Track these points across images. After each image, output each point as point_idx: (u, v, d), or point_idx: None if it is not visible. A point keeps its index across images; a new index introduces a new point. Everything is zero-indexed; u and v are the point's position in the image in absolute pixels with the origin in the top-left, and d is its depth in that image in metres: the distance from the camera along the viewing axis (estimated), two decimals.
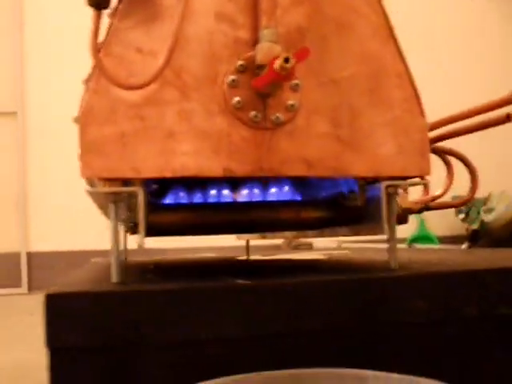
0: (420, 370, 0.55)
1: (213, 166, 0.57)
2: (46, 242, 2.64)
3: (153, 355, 0.51)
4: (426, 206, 0.73)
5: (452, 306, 0.57)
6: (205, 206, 0.67)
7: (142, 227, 0.55)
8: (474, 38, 3.08)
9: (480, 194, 2.72)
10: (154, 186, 0.73)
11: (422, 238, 2.96)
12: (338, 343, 0.55)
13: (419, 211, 0.73)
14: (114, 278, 0.57)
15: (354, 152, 0.60)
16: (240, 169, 0.57)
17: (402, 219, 0.72)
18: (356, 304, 0.55)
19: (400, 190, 0.70)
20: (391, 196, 0.61)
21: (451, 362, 0.57)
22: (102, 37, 0.57)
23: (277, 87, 0.57)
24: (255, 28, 0.58)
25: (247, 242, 1.23)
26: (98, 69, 0.55)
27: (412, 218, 2.80)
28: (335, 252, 1.26)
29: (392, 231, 0.62)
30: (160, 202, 0.69)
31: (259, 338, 0.53)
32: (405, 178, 0.62)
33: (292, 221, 0.67)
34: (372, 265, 0.72)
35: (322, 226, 0.70)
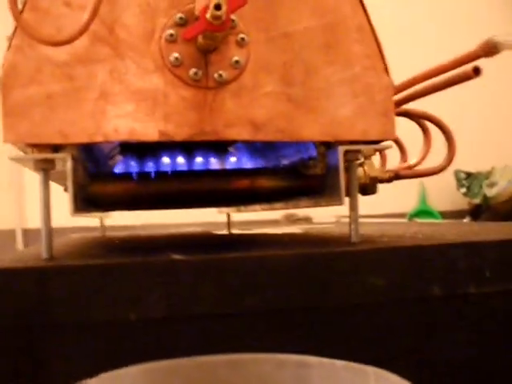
0: (373, 355, 0.50)
1: (148, 130, 0.51)
2: None
3: (67, 337, 0.46)
4: (397, 175, 0.68)
5: (413, 285, 0.52)
6: (148, 176, 0.61)
7: (70, 196, 0.50)
8: None
9: (482, 167, 2.68)
10: (108, 153, 0.68)
11: (423, 212, 2.91)
12: (280, 325, 0.49)
13: (388, 180, 0.68)
14: (44, 253, 0.52)
15: (308, 113, 0.54)
16: (178, 132, 0.52)
17: (370, 189, 0.66)
18: (303, 281, 0.49)
19: (363, 157, 0.64)
20: (351, 163, 0.56)
21: (408, 346, 0.52)
22: None
23: (218, 42, 0.51)
24: None
25: (228, 215, 1.18)
26: (18, 25, 0.49)
27: (413, 193, 2.77)
28: (319, 226, 1.21)
29: (353, 201, 0.57)
30: (105, 172, 0.64)
31: (190, 318, 0.47)
32: (367, 143, 0.56)
33: (246, 191, 0.62)
34: (336, 239, 0.66)
35: (281, 197, 0.64)
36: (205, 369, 0.43)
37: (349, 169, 0.56)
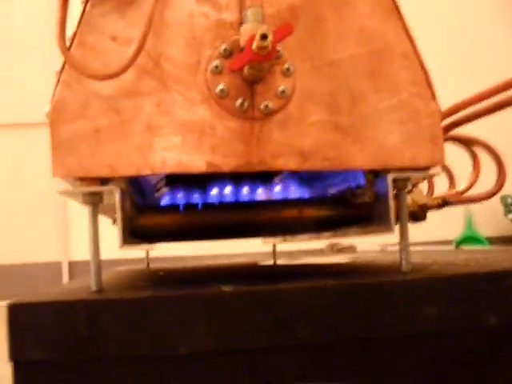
0: None
1: (195, 161, 0.51)
2: (87, 250, 2.63)
3: (116, 370, 0.46)
4: (445, 202, 0.66)
5: (467, 314, 0.50)
6: (195, 208, 0.61)
7: (119, 229, 0.50)
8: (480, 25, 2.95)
9: None
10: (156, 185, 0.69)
11: (470, 239, 2.85)
12: (331, 357, 0.48)
13: (438, 207, 0.66)
14: (93, 286, 0.52)
15: (355, 141, 0.53)
16: (226, 163, 0.52)
17: (419, 216, 0.65)
18: (355, 312, 0.48)
19: (412, 185, 0.63)
20: (400, 190, 0.55)
21: (465, 377, 0.50)
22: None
23: (264, 72, 0.51)
24: (240, 9, 0.53)
25: (274, 246, 1.17)
26: (66, 60, 0.50)
27: (458, 219, 2.72)
28: (365, 256, 1.20)
29: (403, 229, 0.55)
30: (152, 204, 0.64)
31: (240, 351, 0.47)
32: (416, 170, 0.55)
33: (293, 221, 0.61)
34: (386, 268, 0.65)
35: (328, 227, 0.63)
36: None
37: (398, 197, 0.55)
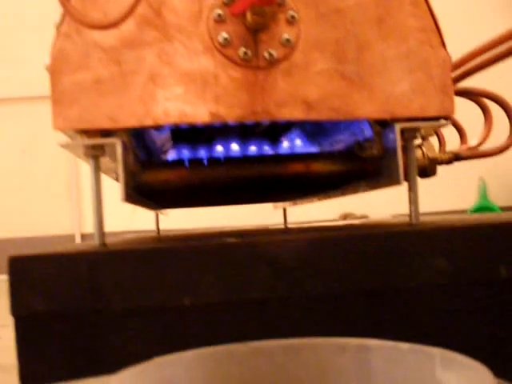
0: (437, 338, 0.48)
1: (198, 111, 0.50)
2: None
3: (119, 322, 0.45)
4: (457, 156, 0.65)
5: (478, 265, 0.49)
6: (200, 163, 0.60)
7: (121, 182, 0.49)
8: None
9: None
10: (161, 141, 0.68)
11: (485, 208, 2.84)
12: (338, 309, 0.47)
13: (448, 161, 0.65)
14: (96, 240, 0.51)
15: (362, 90, 0.52)
16: (229, 113, 0.50)
17: (430, 170, 0.64)
18: (363, 263, 0.47)
19: (422, 138, 0.62)
20: (409, 142, 0.54)
21: (475, 330, 0.49)
22: None
23: (267, 18, 0.50)
24: None
25: (284, 210, 1.17)
26: (66, 10, 0.49)
27: (473, 189, 2.70)
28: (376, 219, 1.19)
29: (412, 181, 0.54)
30: (157, 160, 0.63)
31: (246, 302, 0.46)
32: (425, 121, 0.54)
33: (301, 177, 0.60)
34: (395, 224, 0.64)
35: (337, 184, 0.62)
36: (261, 355, 0.41)
37: (406, 148, 0.54)
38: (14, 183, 2.77)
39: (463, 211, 2.62)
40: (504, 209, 2.77)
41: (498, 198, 2.86)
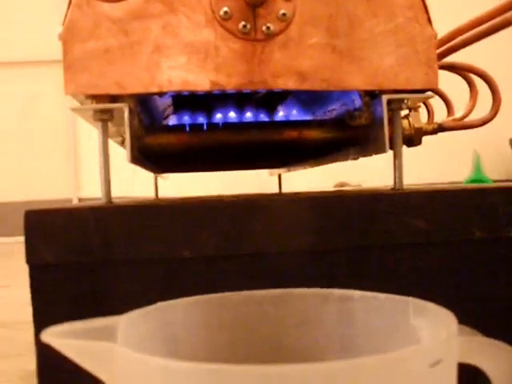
0: (415, 292, 0.52)
1: (199, 80, 0.54)
2: (97, 187, 2.67)
3: (124, 271, 0.49)
4: (441, 127, 0.69)
5: (455, 227, 0.53)
6: (200, 128, 0.64)
7: (127, 145, 0.53)
8: None
9: None
10: (164, 107, 0.71)
11: (478, 181, 2.88)
12: (323, 264, 0.52)
13: (433, 132, 0.69)
14: (103, 198, 0.55)
15: (352, 63, 0.56)
16: (229, 82, 0.54)
17: (415, 140, 0.68)
18: (348, 222, 0.52)
19: (409, 109, 0.66)
20: (395, 112, 0.58)
21: (449, 285, 0.54)
22: None
23: None
24: None
25: (279, 176, 1.21)
26: None
27: (467, 162, 2.71)
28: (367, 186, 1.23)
29: (398, 149, 0.58)
30: (159, 125, 0.67)
31: (240, 256, 0.50)
32: (411, 93, 0.58)
33: (294, 142, 0.64)
34: (381, 190, 0.68)
35: (328, 150, 0.66)
36: (252, 303, 0.45)
37: (393, 118, 0.58)
38: (11, 147, 2.79)
39: (458, 183, 2.65)
40: (497, 182, 2.80)
41: (492, 172, 2.90)
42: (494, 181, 2.83)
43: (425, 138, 0.70)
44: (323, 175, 1.83)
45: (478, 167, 2.90)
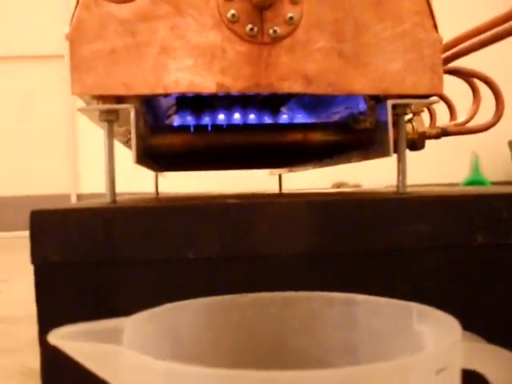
0: (418, 298, 0.53)
1: (206, 82, 0.54)
2: (95, 183, 2.68)
3: (129, 272, 0.50)
4: (444, 132, 0.70)
5: (457, 232, 0.54)
6: (204, 129, 0.65)
7: (133, 145, 0.54)
8: None
9: None
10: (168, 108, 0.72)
11: (476, 182, 2.89)
12: (328, 268, 0.52)
13: (436, 136, 0.69)
14: (107, 197, 0.56)
15: (358, 68, 0.56)
16: (235, 84, 0.55)
17: (418, 144, 0.68)
18: (350, 226, 0.52)
19: (413, 113, 0.66)
20: (399, 117, 0.58)
21: (451, 290, 0.54)
22: None
23: None
24: None
25: (279, 176, 1.21)
26: None
27: (465, 163, 2.72)
28: (367, 188, 1.23)
29: (401, 153, 0.59)
30: (164, 125, 0.67)
31: (244, 258, 0.51)
32: (416, 98, 0.58)
33: (298, 145, 0.64)
34: (384, 193, 0.69)
35: (331, 153, 0.67)
36: (257, 305, 0.46)
37: (397, 123, 0.58)
38: (10, 143, 2.79)
39: (456, 184, 2.66)
40: (496, 184, 2.81)
41: (490, 174, 2.90)
42: (493, 182, 2.84)
43: None
44: (321, 175, 1.83)
45: (476, 168, 2.91)
